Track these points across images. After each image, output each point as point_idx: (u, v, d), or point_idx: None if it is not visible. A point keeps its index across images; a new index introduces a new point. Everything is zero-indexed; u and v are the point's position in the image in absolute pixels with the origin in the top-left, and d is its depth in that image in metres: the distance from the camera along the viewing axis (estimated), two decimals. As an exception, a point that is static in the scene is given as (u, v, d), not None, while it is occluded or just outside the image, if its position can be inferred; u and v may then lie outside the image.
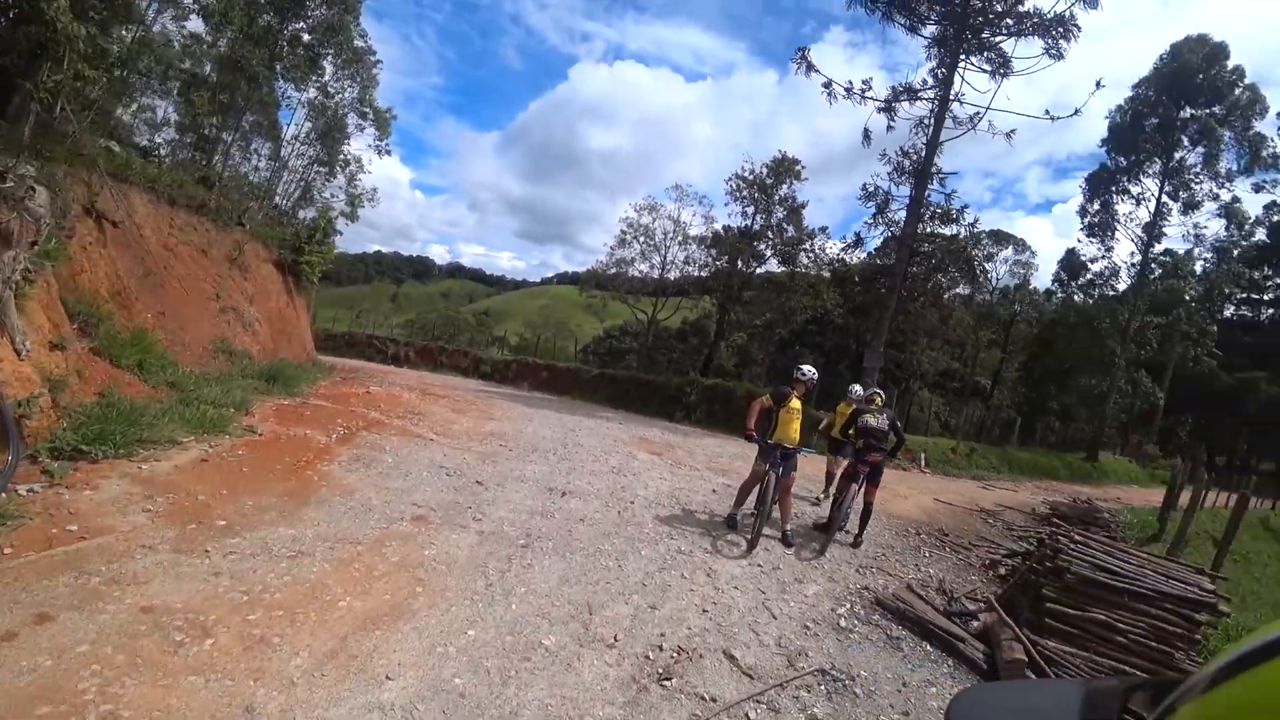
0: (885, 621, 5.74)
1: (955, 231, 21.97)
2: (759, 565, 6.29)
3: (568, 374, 25.43)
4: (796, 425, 7.04)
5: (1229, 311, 37.12)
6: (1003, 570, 8.20)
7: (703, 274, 28.26)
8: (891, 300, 20.64)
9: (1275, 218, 34.30)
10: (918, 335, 24.02)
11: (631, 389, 22.30)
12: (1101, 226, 28.47)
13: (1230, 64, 27.64)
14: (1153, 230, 27.37)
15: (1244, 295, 37.92)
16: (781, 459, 6.86)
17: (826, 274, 26.47)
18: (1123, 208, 28.31)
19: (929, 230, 21.66)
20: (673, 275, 30.04)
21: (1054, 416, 36.69)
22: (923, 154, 20.92)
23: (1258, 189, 29.96)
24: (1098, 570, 6.02)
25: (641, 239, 29.41)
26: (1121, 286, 28.90)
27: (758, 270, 27.18)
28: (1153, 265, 28.04)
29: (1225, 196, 27.70)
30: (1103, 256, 28.97)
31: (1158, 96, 28.18)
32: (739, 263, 26.30)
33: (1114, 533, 11.53)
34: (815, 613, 5.53)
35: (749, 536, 6.76)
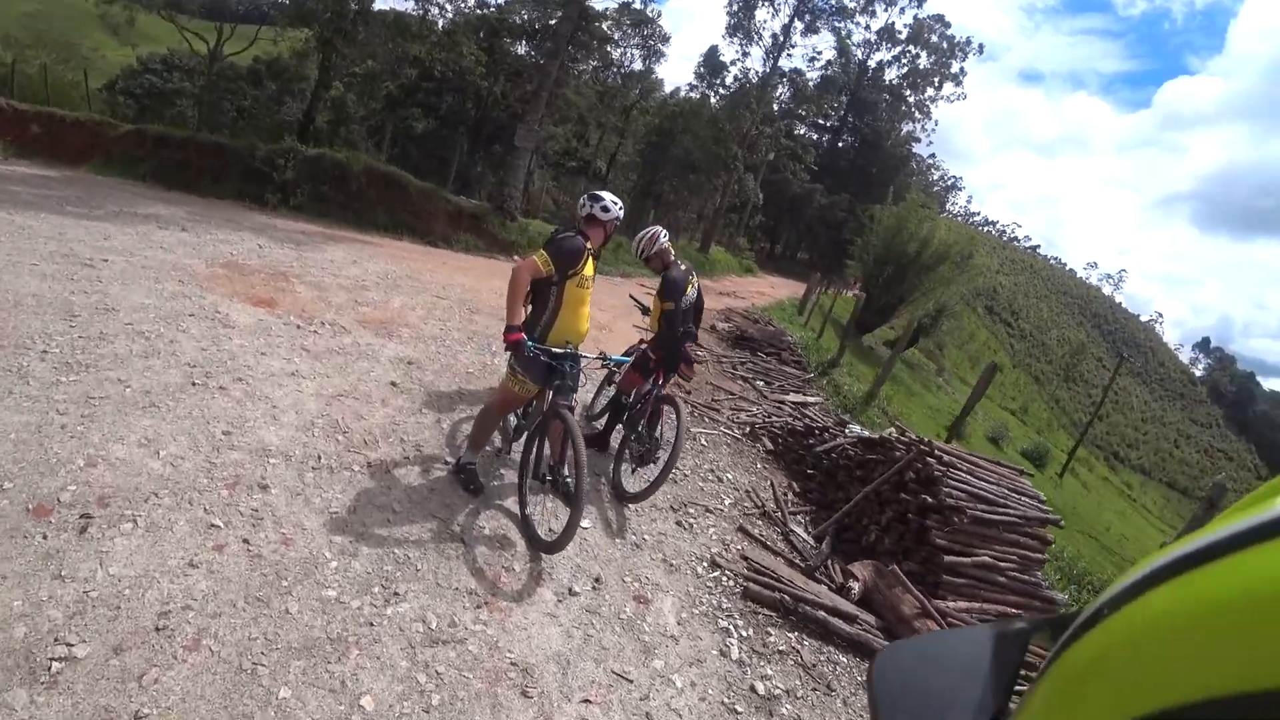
0: (783, 636, 3.64)
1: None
2: (573, 592, 3.25)
3: (81, 131, 15.14)
4: (588, 309, 3.71)
5: (800, 131, 42.13)
6: (770, 444, 6.64)
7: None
8: (554, 68, 17.03)
9: (828, 57, 37.80)
10: (570, 113, 20.99)
11: (193, 158, 14.64)
12: (741, 30, 28.47)
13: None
14: (780, 43, 28.23)
15: (812, 120, 43.06)
16: (569, 371, 3.52)
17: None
18: (760, 14, 28.56)
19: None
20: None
21: (654, 200, 38.77)
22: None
23: (832, 29, 32.60)
24: (978, 502, 4.60)
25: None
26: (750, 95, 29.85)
27: (373, 2, 20.10)
28: (773, 79, 29.36)
29: (841, 30, 29.91)
30: (739, 59, 29.45)
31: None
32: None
33: (800, 357, 11.11)
34: (715, 680, 2.92)
35: (525, 514, 3.64)
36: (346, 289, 7.42)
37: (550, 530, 3.53)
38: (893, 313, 27.37)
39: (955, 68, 40.41)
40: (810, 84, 30.53)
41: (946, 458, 4.89)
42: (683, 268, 4.50)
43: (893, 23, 37.94)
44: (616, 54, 27.12)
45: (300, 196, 14.52)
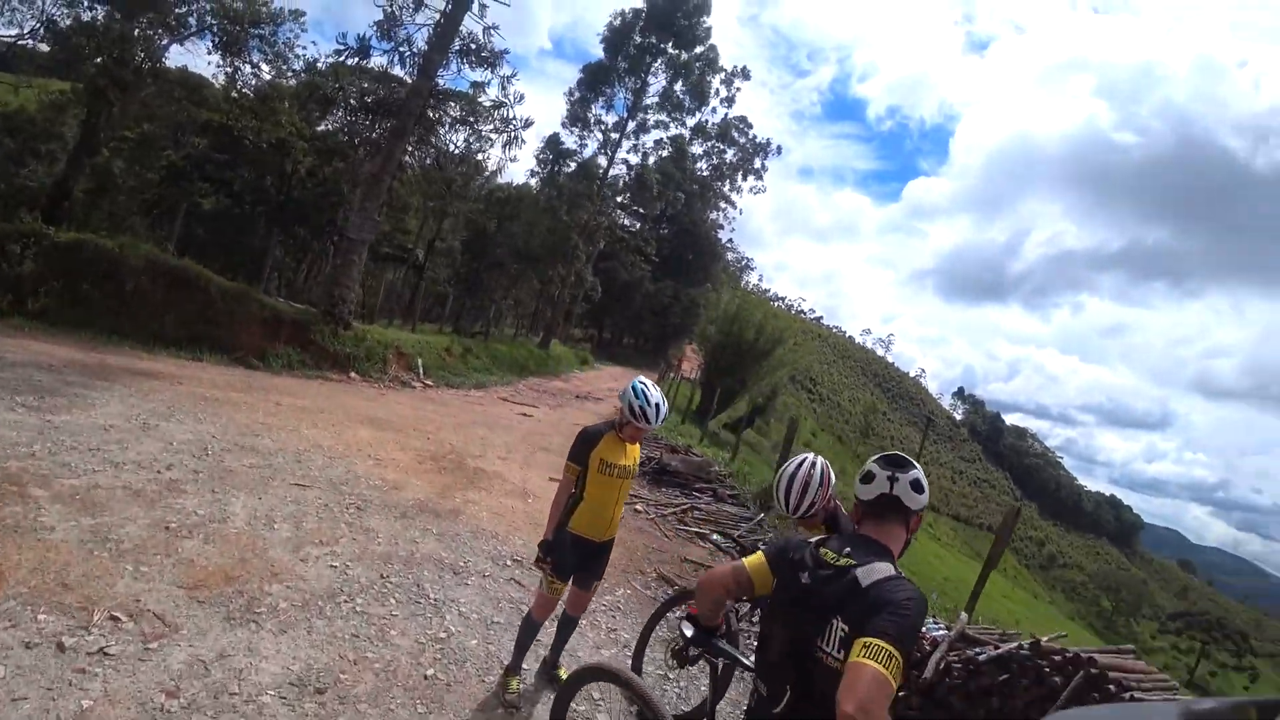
0: None
1: (486, 79, 17.07)
2: None
3: None
4: None
5: (626, 221, 42.93)
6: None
7: (48, 31, 15.32)
8: (399, 149, 14.73)
9: (664, 153, 39.47)
10: (410, 202, 18.56)
11: None
12: (579, 119, 28.58)
13: (705, 21, 32.12)
14: (614, 138, 28.74)
15: (633, 210, 44.04)
16: None
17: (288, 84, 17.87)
18: (595, 110, 29.35)
19: (456, 68, 16.23)
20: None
21: (475, 288, 36.62)
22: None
23: (663, 125, 34.32)
24: None
25: None
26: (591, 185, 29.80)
27: (166, 54, 16.29)
28: (611, 171, 29.81)
29: (674, 130, 31.60)
30: (578, 150, 29.49)
31: (650, 18, 30.50)
32: (135, 30, 14.98)
33: (734, 490, 9.73)
34: None
35: None
36: (145, 499, 4.37)
37: None
38: (734, 398, 27.66)
39: (757, 164, 43.99)
40: (655, 179, 31.00)
41: (1113, 673, 3.59)
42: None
43: (705, 120, 40.63)
44: (463, 136, 25.12)
45: (45, 298, 10.63)
